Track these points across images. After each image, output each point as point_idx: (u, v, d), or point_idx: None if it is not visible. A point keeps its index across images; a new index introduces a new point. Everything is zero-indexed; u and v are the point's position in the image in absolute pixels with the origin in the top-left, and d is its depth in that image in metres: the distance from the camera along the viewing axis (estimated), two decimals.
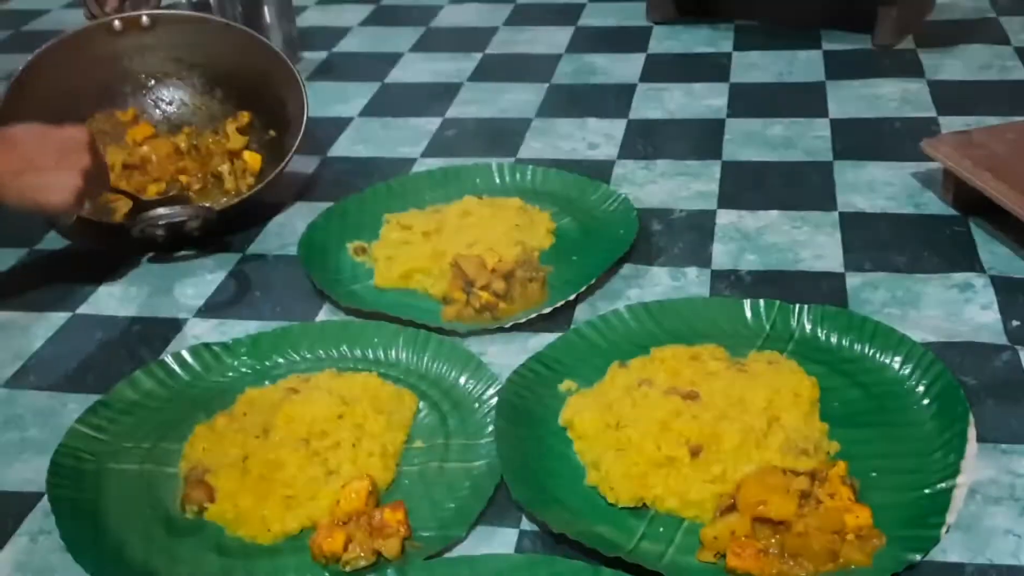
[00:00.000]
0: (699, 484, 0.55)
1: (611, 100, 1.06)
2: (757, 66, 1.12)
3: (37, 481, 0.59)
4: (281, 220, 0.88)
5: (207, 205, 0.84)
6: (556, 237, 0.82)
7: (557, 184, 0.89)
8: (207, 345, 0.70)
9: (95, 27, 0.93)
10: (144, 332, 0.74)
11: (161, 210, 0.80)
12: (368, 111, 1.08)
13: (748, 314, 0.69)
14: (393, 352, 0.69)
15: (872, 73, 1.08)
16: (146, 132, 0.92)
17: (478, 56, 1.20)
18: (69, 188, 0.69)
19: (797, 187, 0.88)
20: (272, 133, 0.94)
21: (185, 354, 0.69)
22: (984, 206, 0.78)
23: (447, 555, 0.54)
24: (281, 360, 0.69)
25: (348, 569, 0.53)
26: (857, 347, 0.66)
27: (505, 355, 0.68)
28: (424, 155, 0.98)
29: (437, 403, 0.65)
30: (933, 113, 0.99)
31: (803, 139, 0.96)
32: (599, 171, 0.92)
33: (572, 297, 0.73)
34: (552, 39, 1.24)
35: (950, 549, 0.52)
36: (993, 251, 0.76)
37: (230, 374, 0.68)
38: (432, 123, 1.04)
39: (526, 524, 0.55)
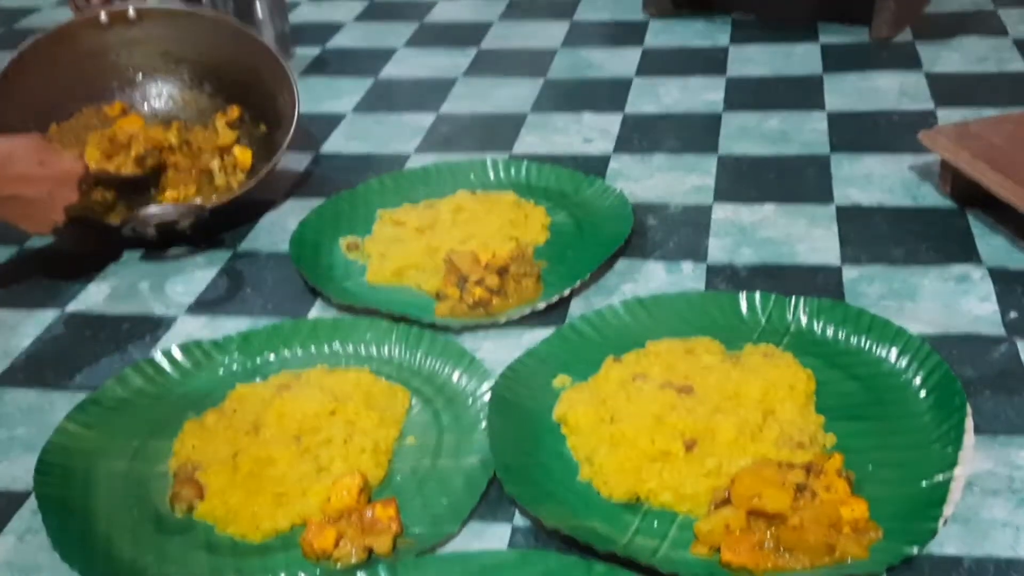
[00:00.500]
0: (693, 478, 0.55)
1: (606, 95, 1.06)
2: (753, 60, 1.12)
3: (25, 479, 0.58)
4: (273, 217, 0.87)
5: (199, 204, 0.83)
6: (551, 232, 0.81)
7: (552, 179, 0.88)
8: (197, 342, 0.69)
9: (81, 21, 0.92)
10: (133, 330, 0.73)
11: (153, 209, 0.80)
12: (362, 107, 1.07)
13: (744, 307, 0.69)
14: (386, 348, 0.68)
15: (869, 66, 1.07)
16: (136, 124, 0.91)
17: (473, 51, 1.20)
18: (49, 223, 0.73)
19: (793, 181, 0.87)
20: (263, 128, 0.93)
21: (175, 351, 0.68)
22: (982, 198, 0.77)
23: (439, 551, 0.53)
24: (272, 357, 0.69)
25: (339, 566, 0.52)
26: (853, 340, 0.65)
27: (499, 351, 0.67)
28: (418, 151, 0.97)
29: (430, 399, 0.64)
30: (931, 106, 0.98)
31: (800, 132, 0.95)
32: (594, 166, 0.91)
33: (566, 293, 0.72)
34: (547, 33, 1.23)
35: (948, 542, 0.51)
36: (991, 243, 0.76)
37: (220, 371, 0.68)
38: (426, 119, 1.03)
39: (519, 520, 0.55)
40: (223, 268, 0.80)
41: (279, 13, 1.16)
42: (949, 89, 1.01)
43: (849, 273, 0.73)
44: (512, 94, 1.07)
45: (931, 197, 0.83)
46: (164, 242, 0.82)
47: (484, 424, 0.60)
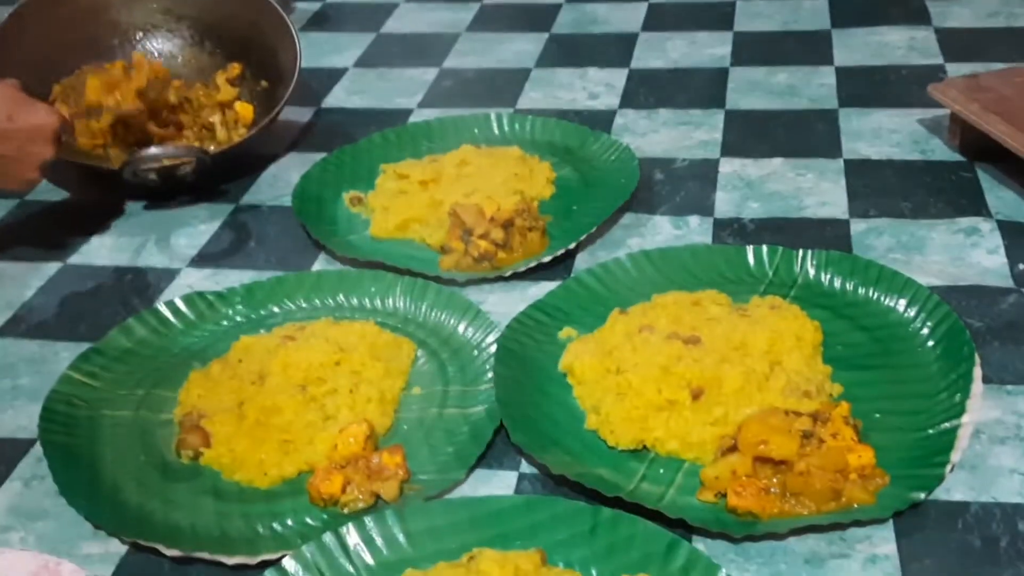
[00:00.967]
0: (700, 426, 0.54)
1: (612, 49, 1.04)
2: (762, 14, 1.10)
3: (30, 428, 0.58)
4: (275, 171, 0.86)
5: (200, 146, 0.82)
6: (556, 187, 0.80)
7: (557, 134, 0.87)
8: (201, 294, 0.69)
9: None
10: (137, 281, 0.73)
11: (154, 149, 0.79)
12: (363, 62, 1.06)
13: (751, 260, 0.68)
14: (390, 301, 0.68)
15: (878, 21, 1.05)
16: (155, 72, 0.88)
17: (476, 6, 1.18)
18: (24, 182, 0.70)
19: (802, 135, 0.86)
20: (264, 84, 0.92)
21: (178, 302, 0.68)
22: (991, 151, 0.76)
23: (446, 497, 0.53)
24: (276, 309, 0.68)
25: (346, 511, 0.52)
26: (861, 291, 0.65)
27: (504, 304, 0.67)
28: (421, 106, 0.96)
29: (436, 351, 0.64)
30: (940, 60, 0.97)
31: (808, 87, 0.94)
32: (600, 121, 0.90)
33: (572, 246, 0.72)
34: None
35: (954, 488, 0.51)
36: (1000, 196, 0.75)
37: (224, 323, 0.67)
38: (429, 73, 1.02)
39: (525, 467, 0.55)
40: (226, 221, 0.80)
41: None
42: (958, 44, 0.99)
43: (857, 227, 0.73)
44: (516, 49, 1.06)
45: (940, 151, 0.82)
46: (166, 191, 0.81)
47: (490, 375, 0.60)
